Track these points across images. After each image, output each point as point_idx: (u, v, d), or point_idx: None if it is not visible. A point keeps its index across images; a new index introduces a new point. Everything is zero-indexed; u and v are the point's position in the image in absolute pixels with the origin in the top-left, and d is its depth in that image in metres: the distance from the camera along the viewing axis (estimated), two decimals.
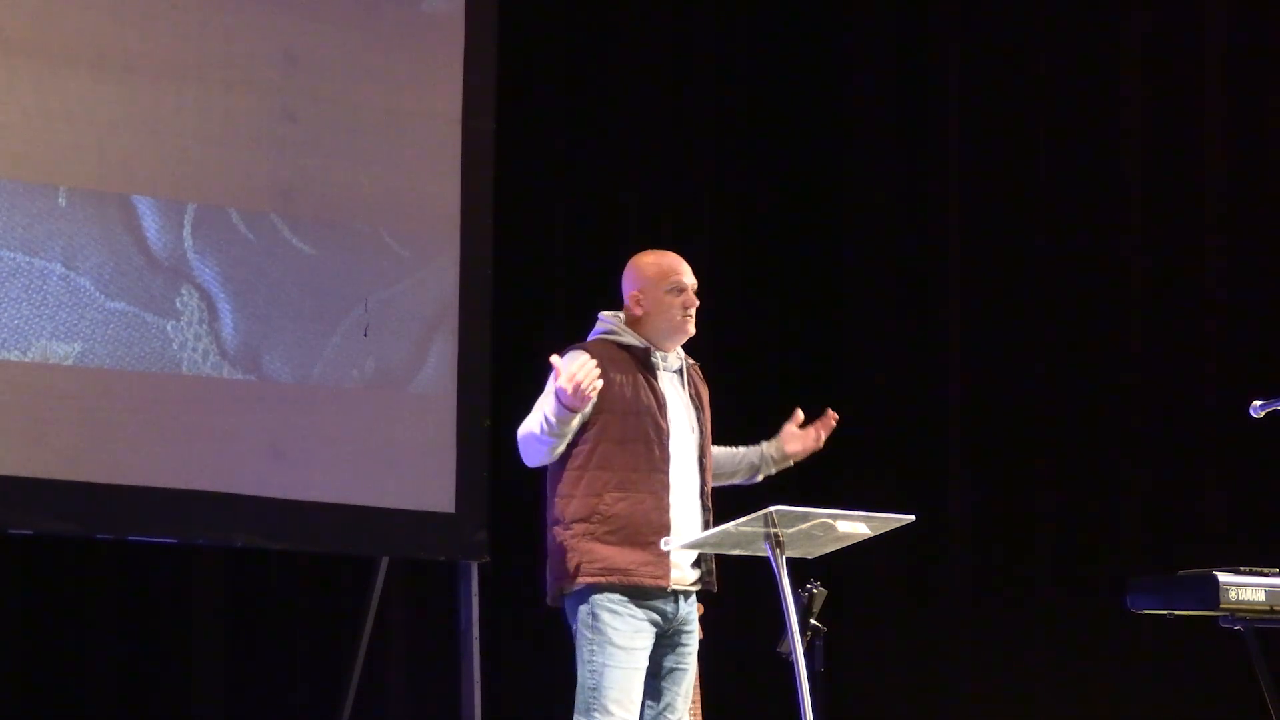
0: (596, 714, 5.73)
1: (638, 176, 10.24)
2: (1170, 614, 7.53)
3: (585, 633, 5.79)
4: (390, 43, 8.46)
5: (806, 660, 5.85)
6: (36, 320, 7.63)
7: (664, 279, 6.02)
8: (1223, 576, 7.29)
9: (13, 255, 7.60)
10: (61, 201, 7.73)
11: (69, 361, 7.69)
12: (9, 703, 8.52)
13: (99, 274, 7.77)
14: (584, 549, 5.79)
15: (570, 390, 5.60)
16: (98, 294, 7.76)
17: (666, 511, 5.83)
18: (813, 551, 6.02)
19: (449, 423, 8.45)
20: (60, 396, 7.66)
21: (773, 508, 5.76)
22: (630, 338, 5.96)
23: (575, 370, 5.62)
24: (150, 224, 7.90)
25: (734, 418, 10.47)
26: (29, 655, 8.64)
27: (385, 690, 9.26)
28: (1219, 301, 9.79)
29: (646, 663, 5.81)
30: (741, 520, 5.76)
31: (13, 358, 7.58)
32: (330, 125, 8.29)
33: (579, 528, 5.81)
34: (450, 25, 8.61)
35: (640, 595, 5.80)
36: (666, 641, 5.89)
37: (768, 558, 5.81)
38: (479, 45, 8.67)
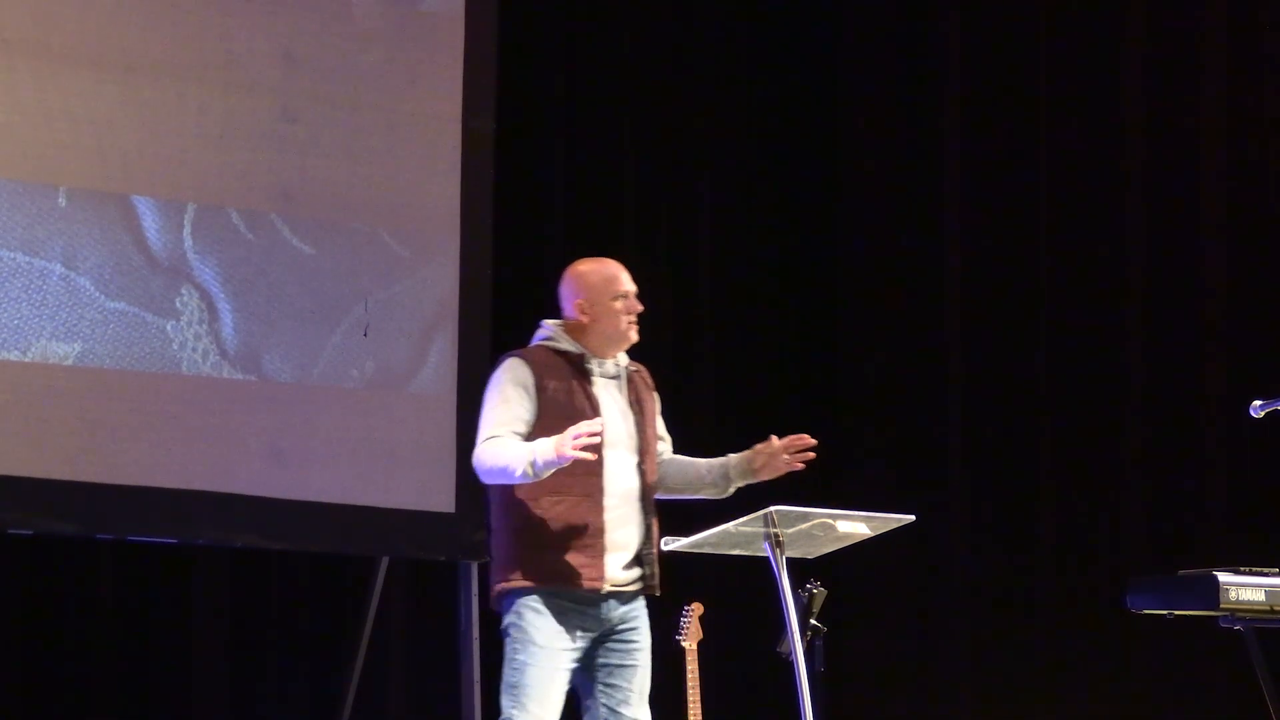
0: (515, 712, 5.81)
1: (637, 176, 10.24)
2: (1170, 614, 7.53)
3: (512, 632, 5.89)
4: (390, 43, 8.45)
5: (806, 660, 5.86)
6: (36, 320, 7.63)
7: (608, 287, 6.06)
8: (1223, 576, 7.29)
9: (13, 255, 7.60)
10: (61, 201, 7.73)
11: (69, 361, 7.69)
12: (9, 703, 8.52)
13: (99, 274, 7.77)
14: (520, 553, 5.88)
15: (572, 449, 5.65)
16: (98, 294, 7.76)
17: (601, 515, 5.87)
18: (813, 551, 6.03)
19: (449, 423, 8.45)
20: (60, 396, 7.66)
21: (773, 508, 5.77)
22: (567, 344, 6.01)
23: (583, 434, 5.67)
24: (150, 224, 7.90)
25: (736, 418, 10.48)
26: (29, 655, 8.64)
27: (385, 690, 9.26)
28: (1219, 301, 9.79)
29: (570, 664, 5.86)
30: (741, 520, 5.78)
31: (13, 358, 7.58)
32: (330, 125, 8.29)
33: (516, 533, 5.90)
34: (450, 25, 8.61)
35: (570, 598, 5.83)
36: (604, 641, 5.92)
37: (768, 558, 5.82)
38: (479, 45, 8.67)
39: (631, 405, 6.04)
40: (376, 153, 8.38)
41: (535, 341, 6.09)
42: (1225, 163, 9.83)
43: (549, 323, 6.10)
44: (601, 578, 5.84)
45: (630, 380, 6.08)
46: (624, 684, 5.93)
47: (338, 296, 8.27)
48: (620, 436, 5.98)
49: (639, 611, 5.96)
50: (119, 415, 7.76)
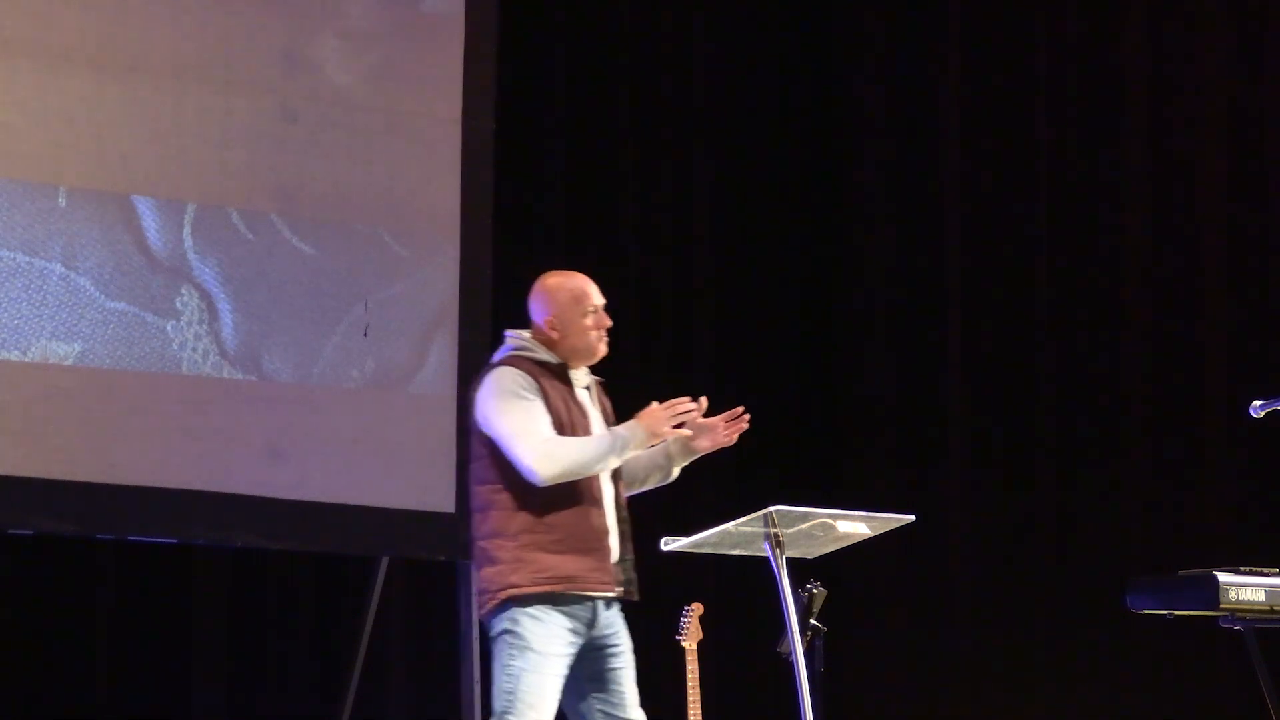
0: (511, 717, 5.77)
1: (637, 176, 10.24)
2: (1170, 614, 7.53)
3: (506, 638, 5.85)
4: (390, 43, 8.46)
5: (806, 660, 5.86)
6: (36, 320, 7.64)
7: (578, 303, 6.01)
8: (1223, 576, 7.29)
9: (13, 255, 7.60)
10: (61, 201, 7.73)
11: (69, 361, 7.70)
12: (9, 703, 8.53)
13: (99, 274, 7.77)
14: (530, 558, 5.83)
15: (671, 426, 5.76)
16: (98, 294, 7.77)
17: (605, 518, 5.87)
18: (813, 551, 6.03)
19: (449, 423, 8.44)
20: (60, 396, 7.66)
21: (773, 508, 5.77)
22: (545, 354, 5.97)
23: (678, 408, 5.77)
24: (150, 224, 7.90)
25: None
26: (29, 655, 8.64)
27: (385, 690, 9.26)
28: (1219, 301, 9.79)
29: (564, 670, 5.85)
30: (741, 520, 5.77)
31: (13, 358, 7.59)
32: (330, 125, 8.29)
33: (525, 538, 5.85)
34: (450, 25, 8.61)
35: (561, 603, 5.82)
36: (594, 649, 5.90)
37: (768, 558, 5.82)
38: (479, 45, 8.68)
39: (604, 415, 6.05)
40: (376, 153, 8.38)
41: (507, 352, 6.04)
42: (1226, 162, 9.83)
43: (518, 333, 6.04)
44: (611, 581, 5.84)
45: (595, 391, 6.09)
46: (619, 687, 5.93)
47: (338, 296, 8.27)
48: None
49: (617, 616, 5.97)
50: (119, 415, 7.77)
